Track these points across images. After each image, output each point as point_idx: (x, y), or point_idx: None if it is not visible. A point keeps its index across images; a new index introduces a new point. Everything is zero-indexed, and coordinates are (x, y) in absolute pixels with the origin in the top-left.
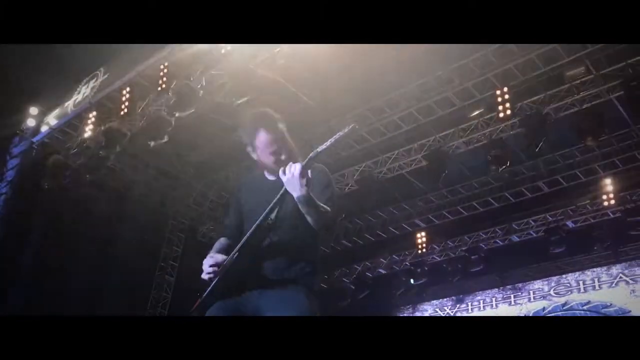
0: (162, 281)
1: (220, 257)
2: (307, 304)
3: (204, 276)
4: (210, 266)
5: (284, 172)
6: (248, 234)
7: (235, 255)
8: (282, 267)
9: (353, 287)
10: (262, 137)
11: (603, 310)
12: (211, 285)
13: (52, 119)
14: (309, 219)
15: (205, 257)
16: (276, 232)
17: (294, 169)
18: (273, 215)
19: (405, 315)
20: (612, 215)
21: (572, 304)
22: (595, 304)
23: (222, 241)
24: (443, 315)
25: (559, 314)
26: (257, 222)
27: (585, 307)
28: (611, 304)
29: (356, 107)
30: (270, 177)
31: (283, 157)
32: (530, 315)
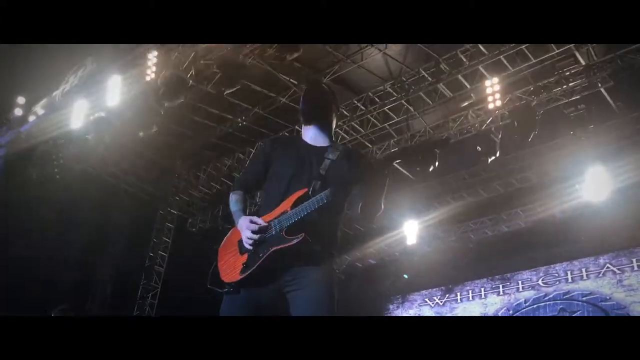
0: (152, 271)
1: (262, 221)
2: (330, 293)
3: (246, 243)
4: (254, 232)
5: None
6: (301, 211)
7: (285, 229)
8: (311, 245)
9: (343, 277)
10: (303, 96)
11: (601, 303)
12: (258, 262)
13: (39, 109)
14: (362, 204)
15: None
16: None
17: (376, 157)
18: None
19: (395, 304)
20: (600, 206)
21: (573, 294)
22: (595, 295)
23: (239, 193)
24: (432, 305)
25: (558, 302)
26: (307, 203)
27: (584, 299)
28: (610, 297)
29: (346, 98)
30: (312, 143)
31: (307, 117)
32: (531, 300)
